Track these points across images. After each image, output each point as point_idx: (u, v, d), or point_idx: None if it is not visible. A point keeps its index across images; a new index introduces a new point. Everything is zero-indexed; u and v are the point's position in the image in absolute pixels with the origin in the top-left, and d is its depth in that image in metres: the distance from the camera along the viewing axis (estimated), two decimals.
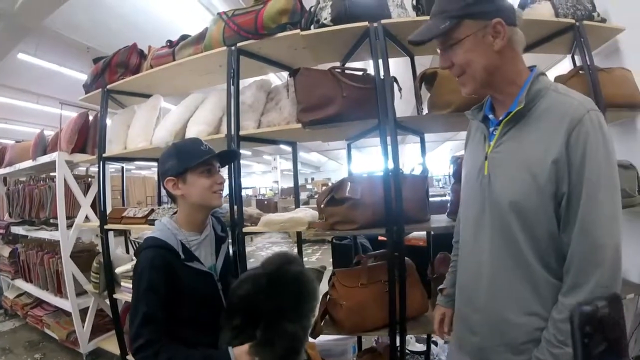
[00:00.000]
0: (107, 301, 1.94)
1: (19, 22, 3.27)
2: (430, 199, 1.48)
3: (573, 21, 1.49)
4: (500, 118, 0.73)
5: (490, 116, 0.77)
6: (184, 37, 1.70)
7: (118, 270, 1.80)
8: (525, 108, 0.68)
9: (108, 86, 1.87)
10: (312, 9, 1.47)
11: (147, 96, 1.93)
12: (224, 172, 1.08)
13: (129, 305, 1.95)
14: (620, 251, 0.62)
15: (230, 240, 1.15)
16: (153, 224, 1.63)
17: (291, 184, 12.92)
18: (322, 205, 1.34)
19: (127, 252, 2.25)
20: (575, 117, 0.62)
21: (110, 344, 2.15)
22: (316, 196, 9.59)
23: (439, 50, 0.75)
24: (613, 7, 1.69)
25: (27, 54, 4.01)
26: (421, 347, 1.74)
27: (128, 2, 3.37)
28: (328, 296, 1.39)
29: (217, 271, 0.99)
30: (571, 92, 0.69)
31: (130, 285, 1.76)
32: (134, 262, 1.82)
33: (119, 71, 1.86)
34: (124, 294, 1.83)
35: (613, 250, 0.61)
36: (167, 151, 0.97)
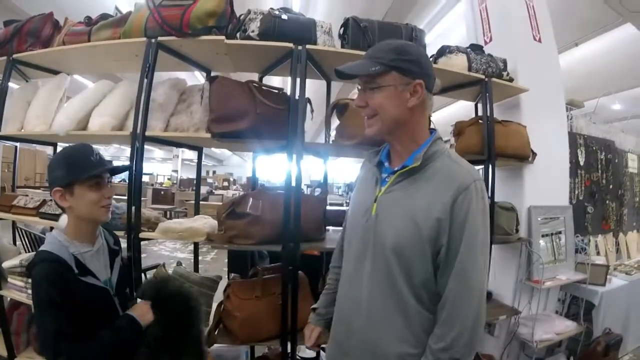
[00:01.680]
0: None
1: None
2: (328, 207, 1.55)
3: (483, 77, 1.66)
4: (396, 168, 0.81)
5: (386, 164, 0.85)
6: (104, 16, 1.58)
7: (5, 264, 1.62)
8: (419, 166, 0.77)
9: (15, 55, 1.67)
10: (241, 17, 1.45)
11: (55, 72, 1.76)
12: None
13: (16, 302, 1.79)
14: (484, 294, 0.75)
15: (123, 251, 1.12)
16: (45, 218, 1.54)
17: (191, 175, 12.35)
18: (222, 218, 1.34)
19: (14, 242, 2.03)
20: (463, 184, 0.73)
21: None
22: (216, 192, 9.26)
23: (358, 88, 0.82)
24: (524, 68, 1.91)
25: None
26: (311, 354, 1.83)
27: None
28: (222, 306, 1.41)
29: (113, 285, 0.97)
30: (461, 160, 0.80)
31: (18, 282, 1.62)
32: (22, 255, 1.68)
33: (29, 40, 1.66)
34: (11, 291, 1.64)
35: (480, 293, 0.73)
36: (56, 159, 0.93)
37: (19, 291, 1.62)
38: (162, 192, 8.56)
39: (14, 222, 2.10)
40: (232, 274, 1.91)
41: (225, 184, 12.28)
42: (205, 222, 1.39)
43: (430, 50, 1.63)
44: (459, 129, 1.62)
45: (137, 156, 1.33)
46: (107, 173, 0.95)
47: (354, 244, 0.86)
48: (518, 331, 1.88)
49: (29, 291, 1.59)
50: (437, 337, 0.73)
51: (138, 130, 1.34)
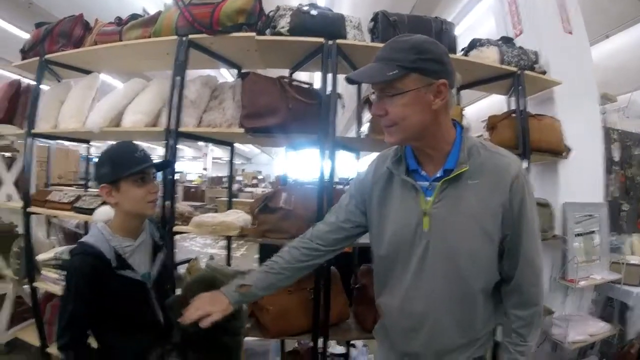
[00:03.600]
0: (27, 289, 1.80)
1: None
2: None
3: (515, 69, 1.62)
4: (438, 175, 0.75)
5: (423, 172, 0.77)
6: (134, 16, 1.61)
7: (39, 257, 1.67)
8: (468, 169, 0.72)
9: (47, 56, 1.72)
10: (270, 14, 1.45)
11: (86, 71, 1.80)
12: None
13: (50, 294, 1.84)
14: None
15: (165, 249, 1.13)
16: (79, 212, 1.57)
17: (220, 173, 12.52)
18: (255, 212, 1.34)
19: (48, 236, 2.09)
20: (512, 173, 0.72)
21: (28, 334, 1.99)
22: (246, 189, 9.37)
23: (373, 96, 0.73)
24: (555, 61, 1.85)
25: None
26: (341, 350, 1.82)
27: None
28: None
29: (152, 279, 0.98)
30: (498, 149, 0.77)
31: (52, 275, 1.66)
32: (56, 249, 1.72)
33: (60, 41, 1.71)
34: (45, 283, 1.69)
35: (541, 272, 0.79)
36: (102, 157, 0.94)
37: (53, 283, 1.67)
38: (193, 190, 8.71)
39: (48, 217, 2.16)
40: None
41: (254, 181, 12.35)
42: (238, 217, 1.39)
43: (461, 44, 1.60)
44: (492, 123, 1.58)
45: (171, 151, 1.35)
46: (152, 169, 0.96)
47: (406, 262, 0.78)
48: (551, 331, 1.82)
49: (63, 283, 1.63)
50: (516, 317, 0.79)
51: (171, 126, 1.35)
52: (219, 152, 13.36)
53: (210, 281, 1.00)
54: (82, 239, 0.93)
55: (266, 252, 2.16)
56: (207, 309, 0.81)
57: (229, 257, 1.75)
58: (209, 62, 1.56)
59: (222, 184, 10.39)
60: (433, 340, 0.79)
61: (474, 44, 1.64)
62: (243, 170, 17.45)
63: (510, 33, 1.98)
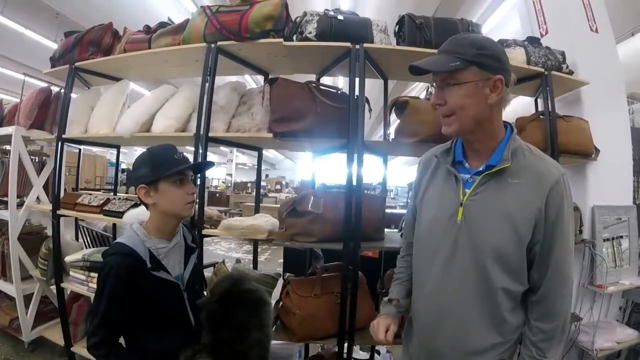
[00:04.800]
0: (54, 289, 1.85)
1: None
2: None
3: (542, 70, 1.59)
4: (480, 169, 0.78)
5: (466, 164, 0.81)
6: (162, 24, 1.64)
7: (67, 259, 1.71)
8: (510, 167, 0.74)
9: (77, 64, 1.77)
10: (297, 20, 1.47)
11: (115, 79, 1.84)
12: None
13: (76, 295, 1.89)
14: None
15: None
16: (108, 215, 1.61)
17: (245, 179, 12.93)
18: (284, 216, 1.35)
19: (77, 238, 2.14)
20: (553, 180, 0.73)
21: (53, 333, 2.05)
22: (271, 194, 9.49)
23: (434, 86, 0.78)
24: (582, 61, 1.82)
25: None
26: (365, 355, 1.81)
27: None
28: (281, 303, 1.42)
29: (184, 280, 0.99)
30: (543, 155, 0.79)
31: (79, 276, 1.70)
32: (84, 251, 1.76)
33: (90, 49, 1.75)
34: (72, 284, 1.74)
35: (571, 285, 0.78)
36: (141, 157, 0.95)
37: (80, 284, 1.72)
38: (218, 195, 8.90)
39: (76, 220, 2.22)
40: (287, 274, 1.92)
41: (278, 186, 12.53)
42: (266, 220, 1.40)
43: None
44: (521, 125, 1.55)
45: (201, 156, 1.37)
46: (190, 170, 0.98)
47: (437, 250, 0.82)
48: (578, 338, 1.78)
49: (90, 284, 1.67)
50: (538, 330, 0.75)
51: (201, 132, 1.37)
52: (243, 158, 13.60)
53: (237, 279, 1.00)
54: (117, 240, 0.94)
55: (291, 256, 2.19)
56: (387, 322, 0.93)
57: (255, 261, 1.76)
58: (234, 68, 1.57)
59: (246, 189, 10.50)
60: (456, 338, 0.79)
61: (501, 45, 1.61)
62: (267, 175, 17.80)
63: (536, 33, 1.95)
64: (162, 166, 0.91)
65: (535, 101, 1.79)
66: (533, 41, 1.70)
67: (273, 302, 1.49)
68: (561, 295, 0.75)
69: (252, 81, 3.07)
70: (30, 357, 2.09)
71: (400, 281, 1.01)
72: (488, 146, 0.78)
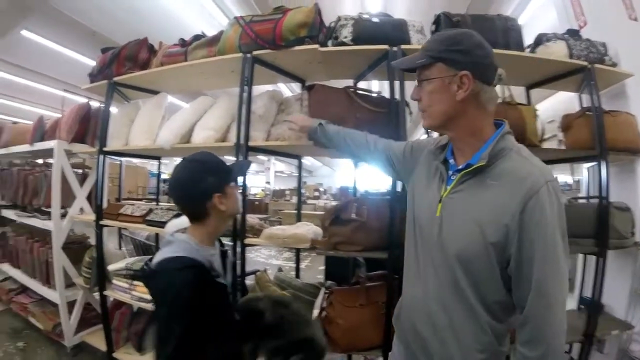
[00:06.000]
0: (97, 297, 1.91)
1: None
2: None
3: (585, 63, 1.52)
4: (460, 167, 0.76)
5: (451, 161, 0.80)
6: (197, 37, 1.67)
7: (110, 267, 1.77)
8: (485, 165, 0.71)
9: (115, 78, 1.83)
10: (331, 25, 1.46)
11: (153, 92, 1.89)
12: None
13: (118, 302, 1.94)
14: (565, 306, 0.69)
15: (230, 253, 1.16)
16: (151, 225, 1.64)
17: (282, 186, 13.08)
18: (327, 224, 1.34)
19: (120, 247, 2.21)
20: (534, 187, 0.65)
21: (95, 338, 2.12)
22: (309, 201, 9.49)
23: (416, 82, 0.80)
24: (623, 52, 1.73)
25: (31, 31, 3.87)
26: None
27: None
28: (324, 313, 1.40)
29: (229, 284, 1.02)
30: (533, 159, 0.72)
31: (122, 284, 1.75)
32: (128, 260, 1.81)
33: (127, 64, 1.81)
34: (115, 292, 1.80)
35: (562, 307, 0.68)
36: (196, 169, 0.93)
37: (123, 292, 1.76)
38: (257, 203, 8.91)
39: (119, 229, 2.29)
40: (328, 282, 1.91)
41: (316, 193, 12.42)
42: (308, 229, 1.40)
43: (526, 40, 1.53)
44: (567, 122, 1.49)
45: None
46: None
47: (419, 242, 0.82)
48: (630, 348, 1.68)
49: (133, 292, 1.72)
50: (522, 356, 0.68)
51: (241, 141, 1.39)
52: (281, 166, 13.80)
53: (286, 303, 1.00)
54: (174, 254, 0.90)
55: (333, 264, 2.18)
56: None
57: (297, 269, 1.75)
58: (270, 77, 1.58)
59: (284, 196, 10.56)
60: (436, 346, 0.77)
61: (540, 40, 1.56)
62: (305, 182, 17.78)
63: (574, 25, 1.87)
64: (225, 172, 0.94)
65: (579, 96, 1.72)
66: (573, 34, 1.63)
67: (315, 311, 1.49)
68: (545, 322, 0.66)
69: (285, 89, 3.11)
70: None
71: (341, 129, 1.16)
72: (470, 145, 0.75)
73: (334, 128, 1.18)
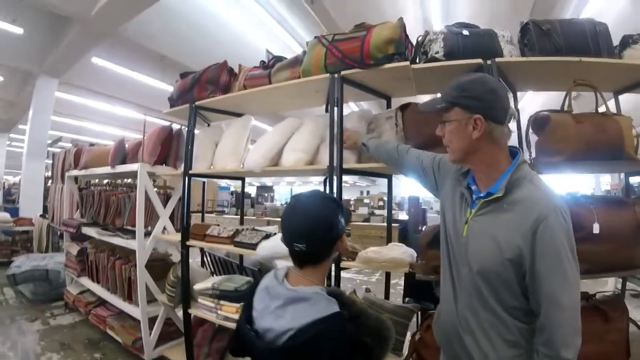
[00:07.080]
0: (180, 315, 1.97)
1: (94, 28, 3.46)
2: None
3: None
4: (482, 194, 0.88)
5: (474, 187, 0.91)
6: (278, 58, 1.71)
7: (197, 287, 1.82)
8: (503, 196, 0.83)
9: (197, 102, 1.91)
10: (419, 40, 1.43)
11: (233, 114, 1.95)
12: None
13: (201, 319, 1.98)
14: (579, 309, 0.78)
15: None
16: (240, 246, 1.67)
17: (346, 197, 12.58)
18: (424, 248, 1.30)
19: (203, 265, 2.28)
20: (542, 214, 0.77)
21: (174, 353, 2.19)
22: (377, 212, 9.03)
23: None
24: None
25: (101, 58, 4.21)
26: None
27: (201, 12, 3.45)
28: (418, 336, 1.36)
29: None
30: (543, 186, 0.83)
31: (208, 303, 1.79)
32: (214, 279, 1.84)
33: (208, 88, 1.88)
34: (200, 310, 1.83)
35: (574, 312, 0.78)
36: (334, 209, 0.88)
37: (209, 311, 1.80)
38: None
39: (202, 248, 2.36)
40: (407, 298, 1.86)
41: (380, 203, 11.61)
42: (404, 252, 1.36)
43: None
44: None
45: (336, 187, 1.38)
46: None
47: (451, 256, 0.94)
48: None
49: (219, 312, 1.75)
50: (543, 354, 0.78)
51: (335, 164, 1.38)
52: (346, 177, 13.73)
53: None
54: (331, 313, 0.77)
55: (415, 281, 2.08)
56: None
57: (387, 291, 1.71)
58: (354, 95, 1.58)
59: (349, 207, 10.34)
60: (468, 352, 0.87)
61: (627, 42, 1.41)
62: (368, 192, 17.71)
63: None
64: (349, 214, 0.95)
65: None
66: None
67: (409, 333, 1.43)
68: (559, 326, 0.76)
69: (366, 106, 3.16)
70: None
71: (385, 142, 1.29)
72: (489, 175, 0.87)
73: (373, 143, 1.31)
